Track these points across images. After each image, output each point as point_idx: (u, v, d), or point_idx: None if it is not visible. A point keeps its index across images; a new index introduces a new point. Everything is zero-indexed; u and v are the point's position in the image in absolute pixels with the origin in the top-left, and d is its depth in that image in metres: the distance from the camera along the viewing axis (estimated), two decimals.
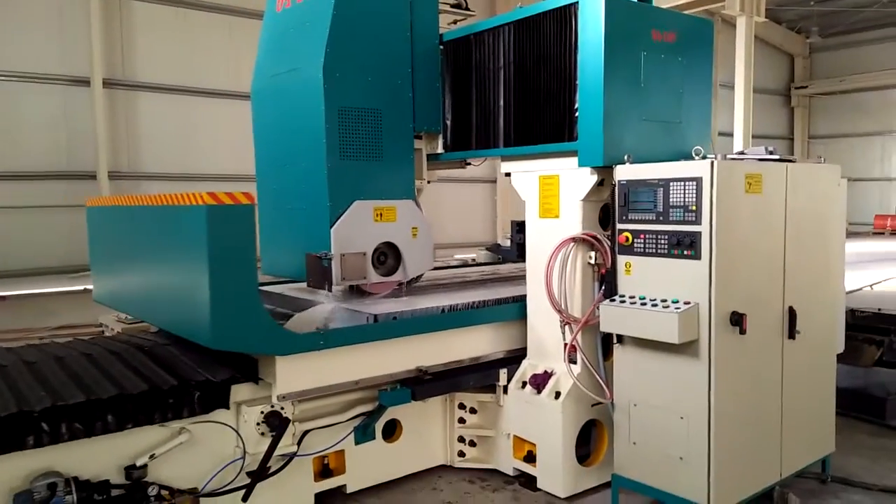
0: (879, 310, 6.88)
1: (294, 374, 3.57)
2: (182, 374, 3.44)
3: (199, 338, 3.41)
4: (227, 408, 3.45)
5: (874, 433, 4.99)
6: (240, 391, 3.55)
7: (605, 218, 3.94)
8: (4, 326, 8.84)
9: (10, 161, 12.63)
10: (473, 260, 8.81)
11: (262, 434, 3.54)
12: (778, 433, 3.69)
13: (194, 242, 3.28)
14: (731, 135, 14.63)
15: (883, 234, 24.07)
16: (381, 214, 4.36)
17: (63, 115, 13.10)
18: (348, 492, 3.99)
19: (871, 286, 12.69)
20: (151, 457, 3.27)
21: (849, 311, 6.51)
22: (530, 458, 4.11)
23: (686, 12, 16.53)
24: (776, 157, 3.64)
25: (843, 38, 26.43)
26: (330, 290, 4.10)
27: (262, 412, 3.53)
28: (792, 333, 3.67)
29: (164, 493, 3.27)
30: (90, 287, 9.84)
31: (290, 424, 3.58)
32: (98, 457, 3.16)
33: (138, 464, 3.23)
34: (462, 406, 4.36)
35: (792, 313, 3.67)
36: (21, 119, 12.66)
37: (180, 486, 3.35)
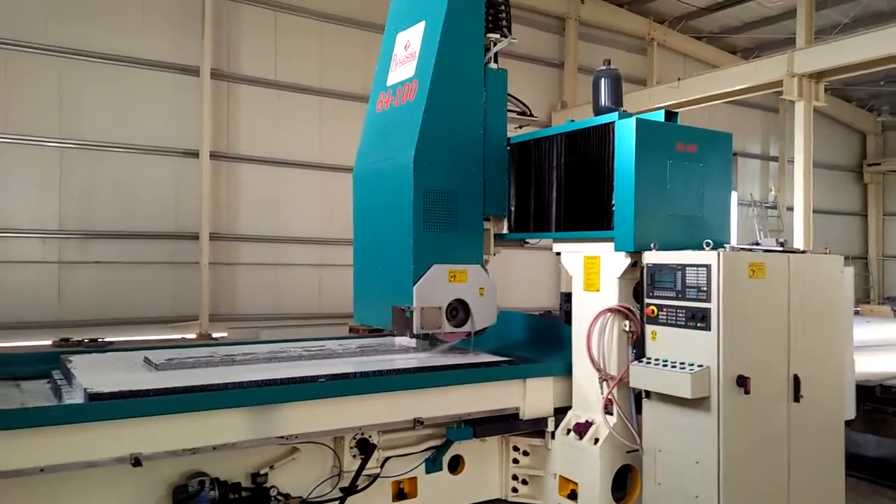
0: None
1: None
2: None
3: None
4: None
5: None
6: None
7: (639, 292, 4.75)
8: None
9: (127, 222, 14.35)
10: None
11: (354, 456, 4.43)
12: (785, 482, 4.32)
13: None
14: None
15: None
16: (454, 276, 5.22)
17: (174, 183, 14.83)
18: None
19: None
20: (271, 468, 4.22)
21: (878, 386, 6.97)
22: (573, 495, 4.82)
23: (751, 95, 16.81)
24: (780, 248, 4.42)
25: None
26: (411, 337, 5.02)
27: (354, 438, 4.43)
28: (797, 397, 4.35)
29: (281, 497, 4.19)
30: (190, 336, 11.11)
31: (376, 450, 4.47)
32: (233, 465, 4.12)
33: (261, 472, 4.18)
34: (516, 448, 5.14)
35: (797, 380, 4.35)
36: (139, 186, 14.43)
37: (291, 492, 4.27)
